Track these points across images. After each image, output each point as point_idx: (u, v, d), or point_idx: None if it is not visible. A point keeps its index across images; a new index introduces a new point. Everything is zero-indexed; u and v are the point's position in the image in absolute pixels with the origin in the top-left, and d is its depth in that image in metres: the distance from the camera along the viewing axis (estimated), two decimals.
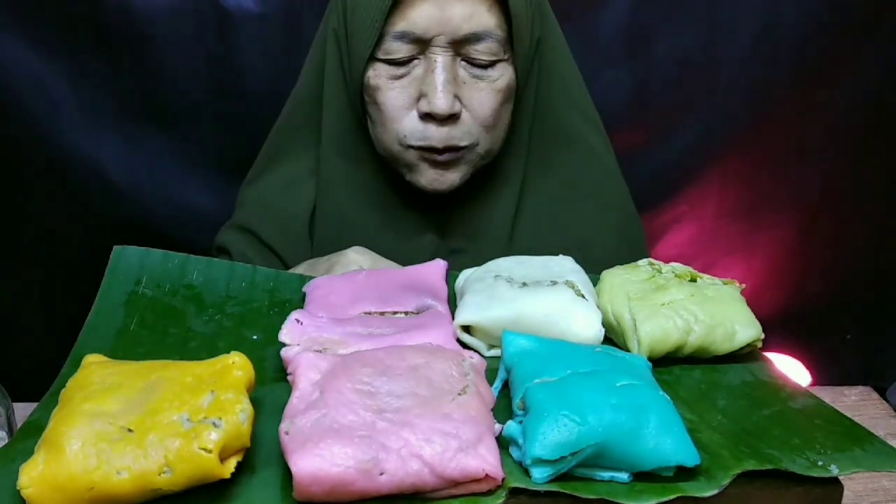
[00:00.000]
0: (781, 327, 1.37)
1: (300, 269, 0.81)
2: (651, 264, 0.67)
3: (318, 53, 0.90)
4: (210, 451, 0.43)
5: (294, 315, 0.59)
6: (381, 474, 0.44)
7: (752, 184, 1.36)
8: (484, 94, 0.81)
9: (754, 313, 0.62)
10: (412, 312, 0.63)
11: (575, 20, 1.22)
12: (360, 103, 0.85)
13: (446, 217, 0.90)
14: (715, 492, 0.46)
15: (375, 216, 0.89)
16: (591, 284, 0.65)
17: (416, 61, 0.81)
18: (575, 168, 0.93)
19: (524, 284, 0.63)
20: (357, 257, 0.78)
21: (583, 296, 0.62)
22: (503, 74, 0.82)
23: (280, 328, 0.58)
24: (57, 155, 1.22)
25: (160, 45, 1.19)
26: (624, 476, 0.47)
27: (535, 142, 0.91)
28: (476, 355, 0.56)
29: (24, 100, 1.20)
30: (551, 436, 0.46)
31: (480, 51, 0.80)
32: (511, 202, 0.90)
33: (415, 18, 0.78)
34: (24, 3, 1.16)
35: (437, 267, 0.70)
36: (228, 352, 0.51)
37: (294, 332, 0.58)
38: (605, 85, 1.26)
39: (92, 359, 0.53)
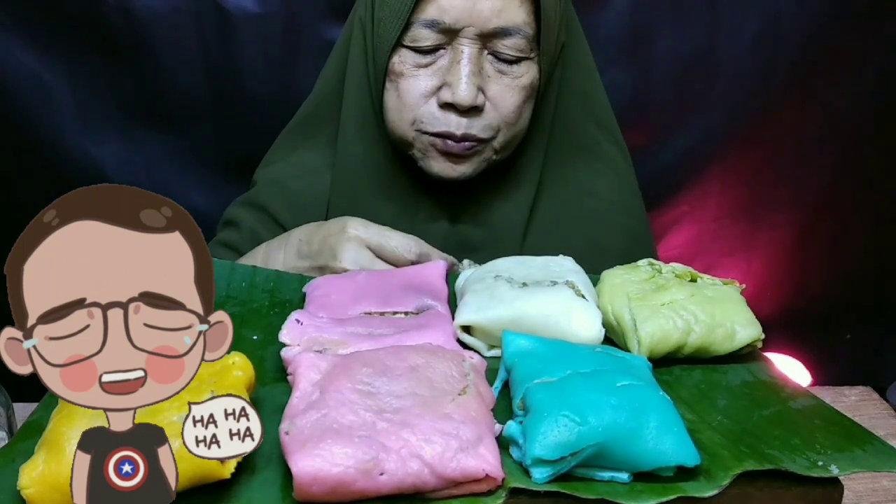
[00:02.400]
0: (781, 327, 1.37)
1: (298, 234, 0.80)
2: (651, 264, 0.67)
3: (342, 47, 0.91)
4: None
5: (294, 315, 0.59)
6: (382, 474, 0.44)
7: (752, 184, 1.36)
8: (507, 89, 0.81)
9: (754, 313, 0.62)
10: (412, 313, 0.63)
11: None
12: (380, 89, 0.84)
13: (460, 208, 0.90)
14: (715, 492, 0.46)
15: (389, 203, 0.89)
16: (591, 284, 0.65)
17: (441, 51, 0.81)
18: (589, 175, 0.93)
19: (524, 284, 0.63)
20: (355, 233, 0.75)
21: (583, 296, 0.62)
22: (528, 72, 0.82)
23: (280, 328, 0.58)
24: (57, 155, 1.22)
25: (160, 45, 1.19)
26: (624, 476, 0.47)
27: (552, 147, 0.91)
28: (476, 355, 0.56)
29: (24, 100, 1.20)
30: (551, 436, 0.46)
31: (508, 46, 0.80)
32: (525, 202, 0.90)
33: (446, 7, 0.78)
34: (25, 4, 1.16)
35: (438, 267, 0.70)
36: (228, 352, 0.51)
37: (294, 333, 0.58)
38: (606, 85, 1.26)
39: None
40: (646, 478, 0.47)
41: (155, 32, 1.18)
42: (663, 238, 1.38)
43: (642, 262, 0.68)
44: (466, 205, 0.90)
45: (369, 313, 0.63)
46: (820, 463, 0.49)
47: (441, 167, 0.84)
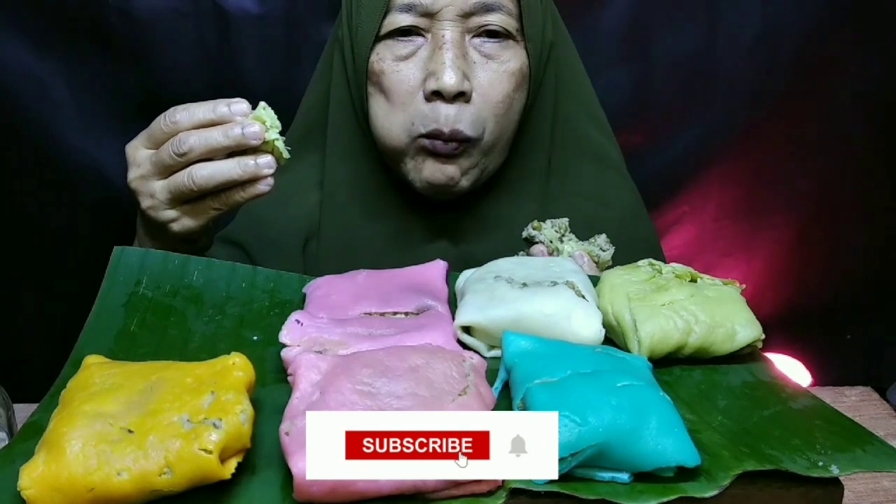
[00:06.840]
0: (782, 327, 1.37)
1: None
2: (651, 265, 0.67)
3: (326, 59, 0.89)
4: (210, 452, 0.43)
5: (294, 316, 0.59)
6: None
7: (752, 184, 1.36)
8: (495, 76, 0.78)
9: (755, 314, 0.62)
10: (412, 313, 0.63)
11: (575, 20, 1.21)
12: (364, 98, 0.82)
13: (461, 224, 0.87)
14: (715, 492, 0.46)
15: (383, 225, 0.86)
16: (591, 285, 0.65)
17: (422, 40, 0.78)
18: (597, 180, 0.91)
19: (524, 285, 0.63)
20: (127, 148, 0.74)
21: (583, 296, 0.62)
22: (514, 57, 0.79)
23: (280, 329, 0.58)
24: (57, 155, 1.22)
25: (160, 45, 1.19)
26: (624, 476, 0.47)
27: (556, 153, 0.89)
28: (476, 356, 0.56)
29: (24, 100, 1.20)
30: None
31: (492, 21, 0.77)
32: (533, 216, 0.86)
33: None
34: (25, 4, 1.16)
35: (438, 267, 0.70)
36: (229, 352, 0.51)
37: (294, 333, 0.58)
38: (606, 86, 1.26)
39: (92, 360, 0.53)
40: (646, 478, 0.47)
41: (155, 33, 1.18)
42: (664, 238, 1.37)
43: (642, 263, 0.68)
44: (467, 220, 0.87)
45: (369, 314, 0.63)
46: (820, 463, 0.49)
47: (430, 171, 0.80)
